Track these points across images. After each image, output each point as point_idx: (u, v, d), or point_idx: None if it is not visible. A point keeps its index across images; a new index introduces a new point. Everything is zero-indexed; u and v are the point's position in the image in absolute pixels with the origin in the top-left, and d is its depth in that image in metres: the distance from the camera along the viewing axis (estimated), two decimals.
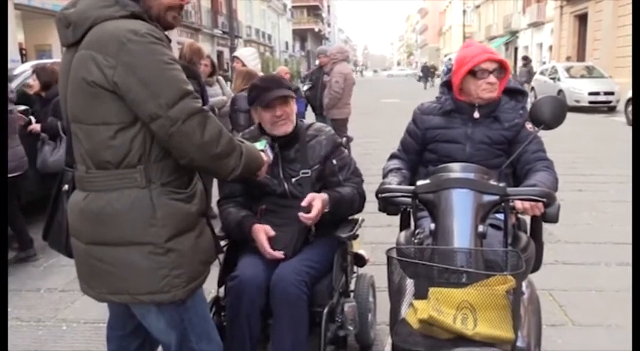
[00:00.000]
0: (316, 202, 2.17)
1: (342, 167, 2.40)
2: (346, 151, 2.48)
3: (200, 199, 1.63)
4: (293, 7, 59.67)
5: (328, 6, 79.83)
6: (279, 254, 2.17)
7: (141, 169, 1.49)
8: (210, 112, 1.51)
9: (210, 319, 1.77)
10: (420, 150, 2.35)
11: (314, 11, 65.51)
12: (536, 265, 2.14)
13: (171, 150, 1.49)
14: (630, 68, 15.12)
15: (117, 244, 1.51)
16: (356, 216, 2.52)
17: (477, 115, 2.23)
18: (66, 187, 1.68)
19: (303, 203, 2.16)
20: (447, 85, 2.34)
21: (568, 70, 17.21)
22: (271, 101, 2.27)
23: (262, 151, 1.83)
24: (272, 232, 2.20)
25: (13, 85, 5.43)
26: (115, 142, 1.47)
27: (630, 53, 15.01)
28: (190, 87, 1.48)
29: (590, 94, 15.31)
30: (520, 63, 13.10)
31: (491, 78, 2.17)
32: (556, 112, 2.04)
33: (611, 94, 15.16)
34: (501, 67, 2.18)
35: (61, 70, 1.58)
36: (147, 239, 1.50)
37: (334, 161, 2.37)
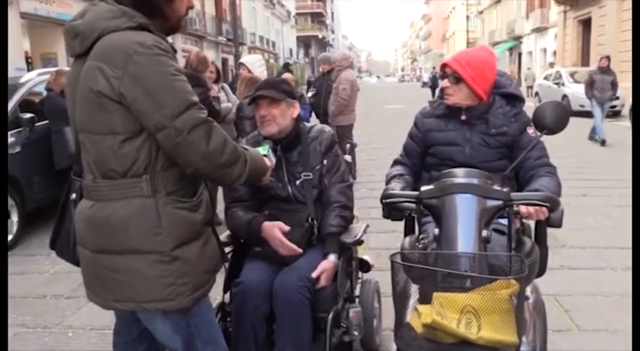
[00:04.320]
0: (325, 275, 2.19)
1: (331, 168, 2.39)
2: (340, 152, 2.48)
3: (206, 208, 1.64)
4: (297, 13, 59.90)
5: (332, 13, 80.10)
6: (298, 250, 2.18)
7: (147, 179, 1.50)
8: (215, 123, 1.53)
9: (216, 324, 1.78)
10: (422, 153, 2.36)
11: (318, 18, 65.75)
12: (541, 270, 2.14)
13: (176, 160, 1.51)
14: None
15: (123, 253, 1.52)
16: (360, 222, 2.53)
17: (463, 117, 2.25)
18: (73, 195, 1.69)
19: (314, 274, 2.17)
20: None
21: (572, 74, 17.18)
22: (255, 99, 2.33)
23: (265, 156, 1.85)
24: (286, 228, 2.21)
25: (19, 93, 5.50)
26: (121, 152, 1.49)
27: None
28: (196, 98, 1.50)
29: None
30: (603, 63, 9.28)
31: (444, 82, 2.21)
32: (558, 117, 2.04)
33: (616, 98, 15.11)
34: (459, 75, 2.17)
35: (69, 80, 1.61)
36: (153, 248, 1.51)
37: (324, 161, 2.38)
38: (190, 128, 1.44)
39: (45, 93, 5.61)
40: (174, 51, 1.54)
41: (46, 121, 5.49)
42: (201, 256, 1.59)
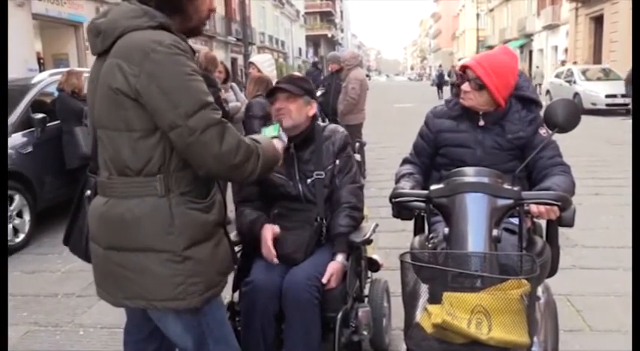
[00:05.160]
0: (334, 277, 2.19)
1: (343, 169, 2.38)
2: (352, 153, 2.47)
3: (219, 210, 1.64)
4: (306, 13, 59.91)
5: (341, 11, 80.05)
6: (274, 256, 2.19)
7: (160, 178, 1.52)
8: (229, 123, 1.53)
9: (228, 323, 1.78)
10: (433, 153, 2.33)
11: (327, 17, 65.72)
12: (553, 270, 2.12)
13: (189, 160, 1.51)
14: None
15: (135, 250, 1.53)
16: (370, 221, 2.52)
17: (481, 123, 2.21)
18: (88, 192, 1.71)
19: (324, 279, 2.16)
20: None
21: (584, 72, 17.04)
22: (273, 90, 2.35)
23: (276, 137, 1.83)
24: (277, 230, 2.22)
25: (31, 93, 5.54)
26: (137, 150, 1.50)
27: None
28: (211, 98, 1.50)
29: (607, 96, 15.14)
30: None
31: (465, 86, 2.16)
32: (570, 114, 2.02)
33: (628, 96, 14.98)
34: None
35: (90, 77, 1.63)
36: (164, 247, 1.52)
37: (337, 161, 2.37)
38: (203, 128, 1.44)
39: (56, 93, 5.65)
40: (193, 52, 1.55)
41: (58, 122, 5.53)
42: (212, 256, 1.60)
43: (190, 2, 1.60)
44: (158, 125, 1.47)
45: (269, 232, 2.22)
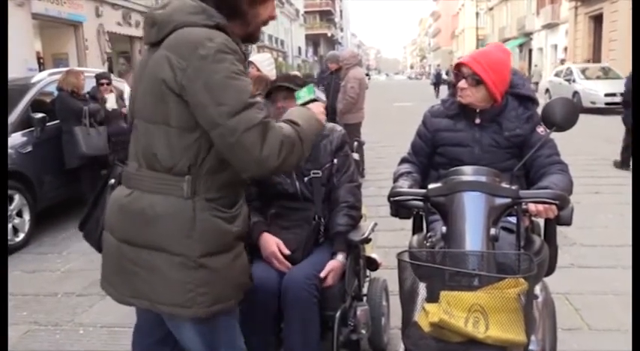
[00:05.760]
0: (332, 274, 2.19)
1: (340, 168, 2.38)
2: (350, 152, 2.48)
3: (243, 222, 1.60)
4: (305, 12, 59.82)
5: (341, 11, 79.99)
6: (288, 266, 2.18)
7: (188, 180, 1.48)
8: (273, 122, 1.48)
9: (239, 328, 1.72)
10: (430, 152, 2.34)
11: (326, 16, 65.65)
12: (551, 269, 2.13)
13: (232, 163, 1.48)
14: None
15: (149, 248, 1.50)
16: (369, 220, 2.53)
17: (478, 120, 2.22)
18: (112, 181, 1.69)
19: (322, 274, 2.16)
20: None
21: (583, 71, 17.03)
22: (273, 89, 2.33)
23: (314, 100, 1.70)
24: (286, 251, 2.20)
25: (31, 93, 5.55)
26: (170, 146, 1.48)
27: None
28: (255, 99, 1.46)
29: (607, 95, 15.12)
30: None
31: (462, 82, 2.16)
32: (568, 113, 2.02)
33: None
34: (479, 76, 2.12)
35: (138, 67, 1.62)
36: (180, 250, 1.48)
37: (335, 160, 2.38)
38: (244, 129, 1.40)
39: (56, 93, 5.65)
40: (245, 57, 1.52)
41: (57, 121, 5.54)
42: (228, 269, 1.55)
43: (251, 7, 1.57)
44: (200, 122, 1.44)
45: (273, 245, 2.20)
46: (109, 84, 6.05)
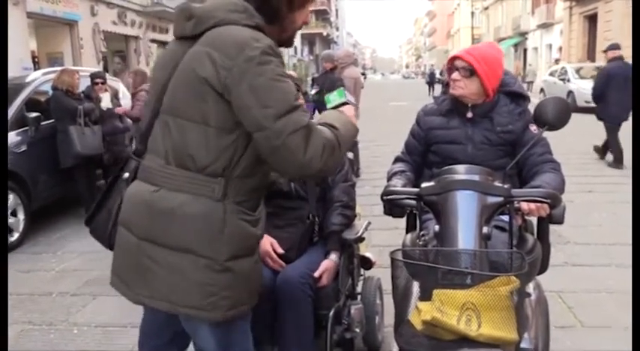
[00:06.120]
0: (326, 274, 2.19)
1: None
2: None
3: (263, 226, 1.59)
4: None
5: (336, 10, 79.91)
6: (281, 264, 2.19)
7: (221, 182, 1.45)
8: (316, 126, 1.47)
9: (249, 331, 1.69)
10: (424, 151, 2.35)
11: (322, 15, 65.57)
12: (543, 267, 2.14)
13: (273, 165, 1.46)
14: None
15: (173, 248, 1.46)
16: (363, 219, 2.53)
17: (469, 115, 2.24)
18: (126, 175, 1.63)
19: (316, 274, 2.16)
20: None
21: (578, 70, 17.08)
22: None
23: (346, 103, 1.70)
24: (280, 250, 2.20)
25: (25, 92, 5.54)
26: (207, 146, 1.44)
27: None
28: (299, 102, 1.45)
29: None
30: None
31: (455, 75, 2.19)
32: (560, 112, 2.03)
33: None
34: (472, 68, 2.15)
35: (164, 59, 1.57)
36: (207, 253, 1.45)
37: None
38: (290, 132, 1.38)
39: (51, 92, 5.64)
40: (283, 63, 1.51)
41: (52, 120, 5.52)
42: (250, 273, 1.54)
43: (290, 12, 1.56)
44: (244, 124, 1.41)
45: (267, 244, 2.20)
46: (103, 83, 6.03)
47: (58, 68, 6.30)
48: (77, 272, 4.08)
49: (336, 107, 1.70)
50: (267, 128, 1.38)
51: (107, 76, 6.75)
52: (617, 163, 7.53)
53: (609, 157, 7.88)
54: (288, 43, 1.63)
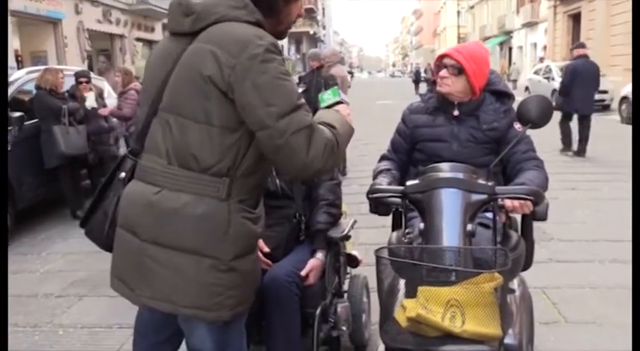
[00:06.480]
0: (313, 273, 2.20)
1: None
2: None
3: (263, 223, 1.59)
4: None
5: (323, 8, 79.84)
6: (268, 263, 2.18)
7: (225, 181, 1.44)
8: (318, 125, 1.46)
9: (244, 331, 1.69)
10: (410, 149, 2.37)
11: (309, 14, 65.43)
12: (527, 264, 2.16)
13: (276, 164, 1.46)
14: (623, 67, 15.20)
15: (178, 249, 1.44)
16: (349, 217, 2.54)
17: (456, 112, 2.26)
18: (123, 175, 1.60)
19: (303, 273, 2.17)
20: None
21: (562, 69, 17.24)
22: None
23: (341, 102, 1.69)
24: (266, 249, 2.19)
25: (8, 91, 5.47)
26: (210, 146, 1.42)
27: (624, 52, 15.09)
28: (302, 101, 1.43)
29: None
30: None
31: (443, 72, 2.22)
32: (543, 110, 2.06)
33: (605, 92, 15.21)
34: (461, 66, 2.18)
35: (159, 56, 1.54)
36: (213, 253, 1.44)
37: None
38: (294, 131, 1.37)
39: (34, 91, 5.57)
40: (283, 59, 1.50)
41: (36, 120, 5.46)
42: (252, 271, 1.54)
43: (286, 5, 1.56)
44: (247, 123, 1.40)
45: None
46: (88, 82, 5.97)
47: (42, 67, 6.23)
48: (62, 273, 4.04)
49: (330, 106, 1.69)
50: (270, 127, 1.37)
51: (92, 75, 6.69)
52: (567, 147, 8.38)
53: (575, 146, 8.36)
54: (283, 35, 1.63)
